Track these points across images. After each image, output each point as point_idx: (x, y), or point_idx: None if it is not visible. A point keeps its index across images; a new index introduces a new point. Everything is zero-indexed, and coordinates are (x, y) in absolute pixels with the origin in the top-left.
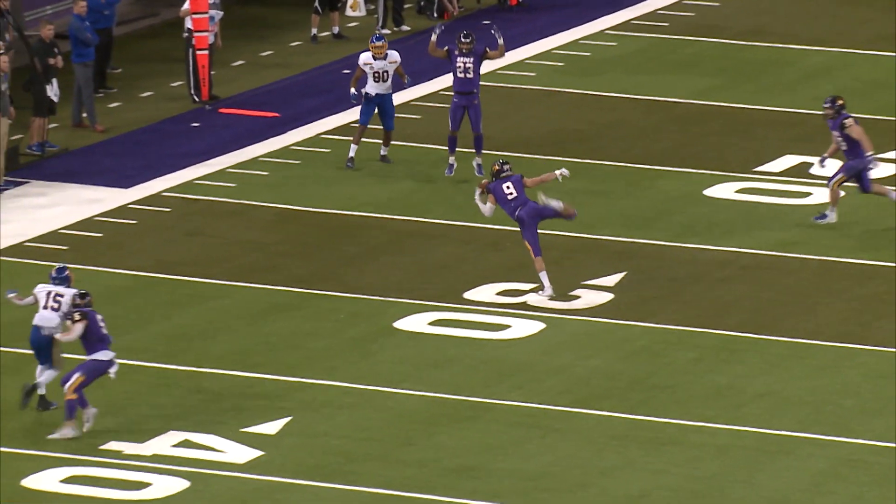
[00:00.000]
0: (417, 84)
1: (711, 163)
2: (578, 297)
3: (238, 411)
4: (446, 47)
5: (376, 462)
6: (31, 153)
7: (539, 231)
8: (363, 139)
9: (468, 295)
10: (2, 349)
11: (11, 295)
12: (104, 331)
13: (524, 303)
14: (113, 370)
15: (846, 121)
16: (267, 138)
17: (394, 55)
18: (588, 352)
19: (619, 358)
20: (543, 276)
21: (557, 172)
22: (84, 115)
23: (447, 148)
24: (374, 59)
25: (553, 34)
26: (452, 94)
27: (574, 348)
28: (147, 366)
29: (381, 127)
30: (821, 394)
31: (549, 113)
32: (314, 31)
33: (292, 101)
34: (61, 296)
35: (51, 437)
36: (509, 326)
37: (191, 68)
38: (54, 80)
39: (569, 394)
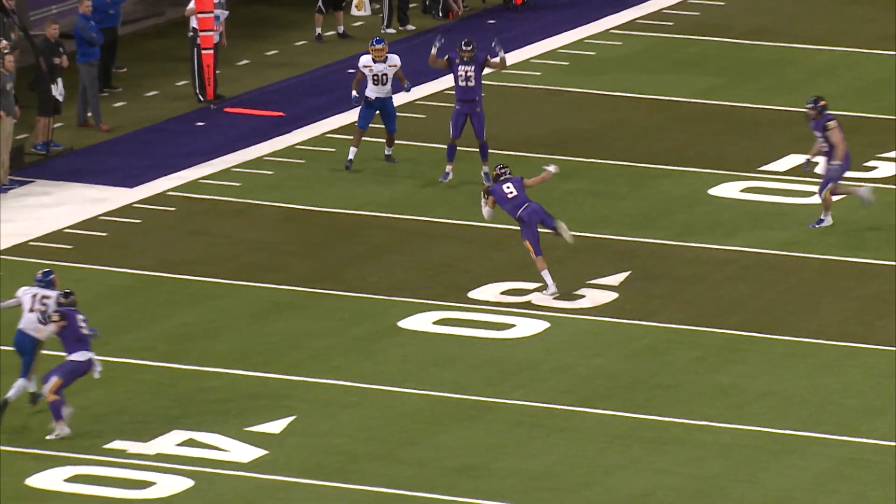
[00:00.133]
0: (421, 84)
1: (715, 162)
2: (583, 296)
3: (242, 410)
4: (447, 56)
5: (379, 461)
6: (36, 152)
7: (541, 231)
8: (364, 139)
9: (472, 294)
10: (2, 349)
11: None
12: (85, 331)
13: (528, 302)
14: (97, 370)
15: (829, 122)
16: (271, 138)
17: (394, 59)
18: (591, 351)
19: (622, 357)
20: (546, 275)
21: (550, 168)
22: (89, 114)
23: (445, 155)
24: (374, 61)
25: (558, 33)
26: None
27: (577, 347)
28: (151, 365)
29: (384, 128)
30: (823, 393)
31: (553, 112)
32: (318, 30)
33: (297, 100)
34: (48, 298)
35: (49, 437)
36: (514, 325)
37: (196, 68)
38: (59, 80)
39: (572, 393)
